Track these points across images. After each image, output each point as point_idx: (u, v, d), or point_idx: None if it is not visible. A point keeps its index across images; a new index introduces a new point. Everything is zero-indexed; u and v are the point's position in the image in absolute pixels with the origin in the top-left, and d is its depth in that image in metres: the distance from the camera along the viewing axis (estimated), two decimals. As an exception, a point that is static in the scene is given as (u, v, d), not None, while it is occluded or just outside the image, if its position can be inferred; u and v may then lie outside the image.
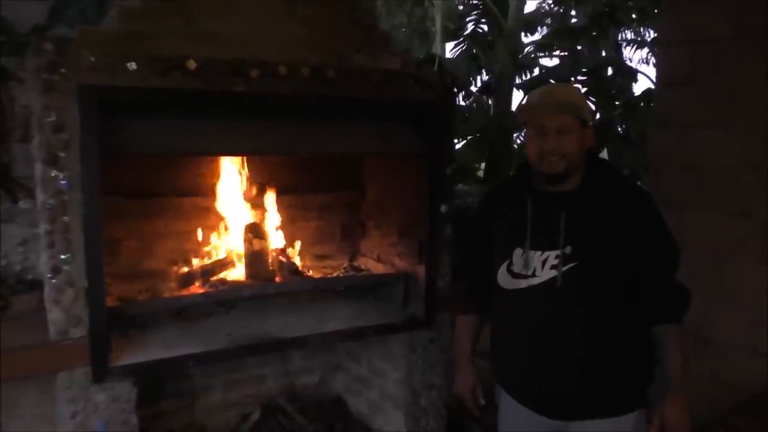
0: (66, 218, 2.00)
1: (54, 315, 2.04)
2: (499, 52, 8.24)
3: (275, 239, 2.86)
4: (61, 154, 1.97)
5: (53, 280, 2.02)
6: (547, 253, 1.73)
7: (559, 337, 1.74)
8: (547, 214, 1.74)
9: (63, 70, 1.93)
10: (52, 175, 1.97)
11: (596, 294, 1.71)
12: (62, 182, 1.98)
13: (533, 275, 1.75)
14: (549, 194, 1.77)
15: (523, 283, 1.77)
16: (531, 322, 1.78)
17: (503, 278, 1.82)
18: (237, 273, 2.72)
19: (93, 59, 1.96)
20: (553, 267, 1.71)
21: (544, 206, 1.76)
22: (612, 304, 1.72)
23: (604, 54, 9.03)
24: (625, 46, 9.82)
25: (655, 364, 1.74)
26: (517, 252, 1.78)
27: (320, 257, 3.15)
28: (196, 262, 2.71)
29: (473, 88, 8.79)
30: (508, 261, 1.80)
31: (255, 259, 2.68)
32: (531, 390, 1.82)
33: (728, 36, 2.86)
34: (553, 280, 1.71)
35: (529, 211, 1.77)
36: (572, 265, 1.70)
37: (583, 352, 1.73)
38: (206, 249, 2.77)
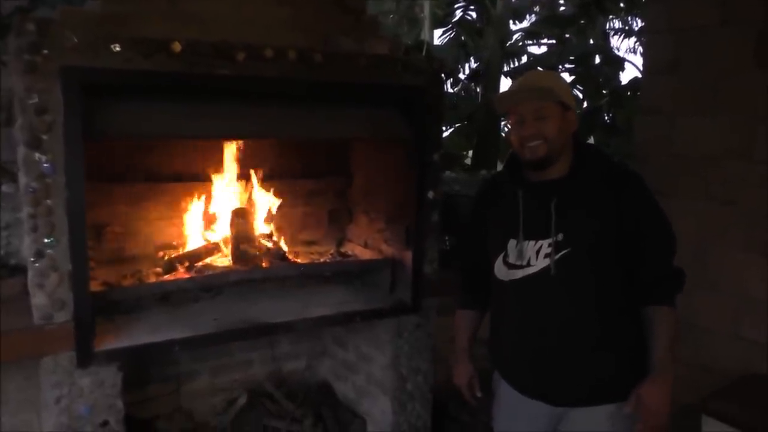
0: (49, 202, 1.98)
1: (38, 299, 2.03)
2: (487, 40, 8.25)
3: (262, 225, 2.85)
4: (44, 137, 1.94)
5: (37, 264, 2.00)
6: (540, 242, 1.74)
7: (556, 324, 1.75)
8: (538, 203, 1.75)
9: (45, 52, 1.90)
10: (35, 158, 1.95)
11: (591, 279, 1.72)
12: (45, 165, 1.96)
13: (528, 265, 1.76)
14: (539, 183, 1.77)
15: (519, 274, 1.78)
16: (529, 312, 1.79)
17: (500, 270, 1.83)
18: (223, 258, 2.71)
19: (76, 40, 1.93)
20: (546, 256, 1.72)
21: (535, 195, 1.76)
22: (608, 289, 1.73)
23: (591, 42, 9.04)
24: (613, 35, 9.84)
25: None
26: (512, 243, 1.79)
27: (307, 243, 3.14)
28: (182, 247, 2.69)
29: (461, 76, 8.79)
30: (503, 252, 1.82)
31: (241, 244, 2.67)
32: (531, 378, 1.84)
33: (714, 24, 2.87)
34: (547, 268, 1.72)
35: (521, 202, 1.78)
36: (565, 252, 1.70)
37: (581, 338, 1.74)
38: (192, 234, 2.76)
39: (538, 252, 1.74)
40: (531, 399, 1.83)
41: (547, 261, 1.72)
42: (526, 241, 1.76)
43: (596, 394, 1.76)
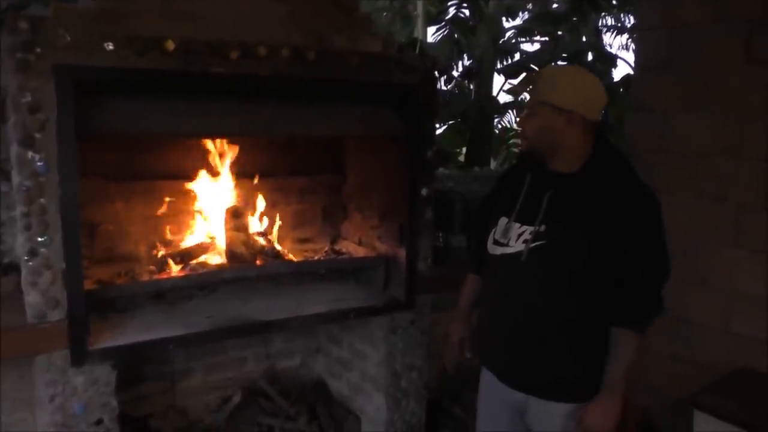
0: (43, 200, 1.98)
1: (31, 298, 2.02)
2: (480, 37, 8.24)
3: (256, 222, 2.85)
4: (37, 135, 1.94)
5: (30, 263, 2.00)
6: (525, 227, 1.78)
7: (515, 308, 1.80)
8: (537, 191, 1.79)
9: (38, 50, 1.90)
10: (28, 156, 1.94)
11: (554, 277, 1.73)
12: (38, 164, 1.95)
13: (508, 245, 1.80)
14: (546, 172, 1.80)
15: (498, 251, 1.84)
16: (497, 290, 1.86)
17: (489, 243, 1.89)
18: (217, 256, 2.71)
19: (69, 38, 1.93)
20: (524, 242, 1.76)
21: (538, 183, 1.80)
22: (569, 290, 1.73)
23: (584, 39, 9.05)
24: (606, 32, 9.85)
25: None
26: (502, 221, 1.85)
27: (301, 240, 3.15)
28: (176, 245, 2.69)
29: (455, 73, 8.78)
30: (495, 228, 1.87)
31: (235, 242, 2.67)
32: (496, 357, 1.91)
33: (706, 21, 2.89)
34: (519, 253, 1.76)
35: (525, 185, 1.83)
36: (540, 243, 1.73)
37: (538, 328, 1.77)
38: (186, 232, 2.76)
39: (519, 236, 1.78)
40: (499, 380, 1.88)
41: (523, 246, 1.76)
42: (515, 223, 1.81)
43: (541, 387, 1.79)
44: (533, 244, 1.74)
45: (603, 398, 1.72)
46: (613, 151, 1.81)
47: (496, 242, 1.85)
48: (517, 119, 1.99)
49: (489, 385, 1.95)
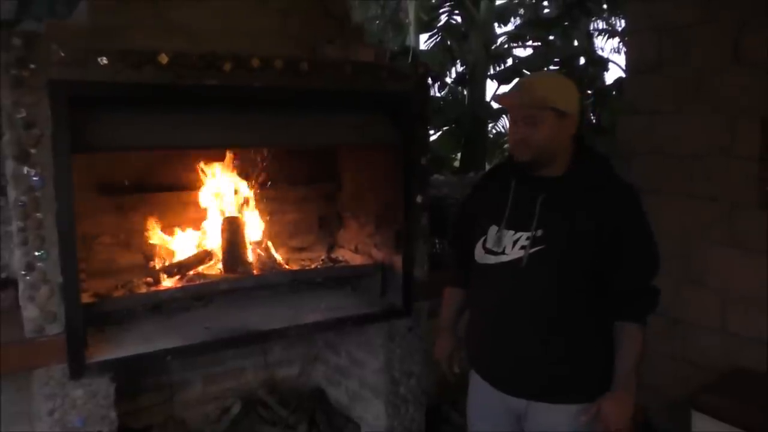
0: (39, 215, 1.98)
1: (29, 312, 2.03)
2: (472, 44, 8.29)
3: (252, 232, 2.86)
4: (33, 151, 1.95)
5: (27, 278, 2.01)
6: (519, 234, 1.77)
7: (518, 315, 1.78)
8: (527, 196, 1.78)
9: (32, 66, 1.91)
10: (24, 171, 1.95)
11: (559, 280, 1.74)
12: (34, 179, 1.96)
13: (503, 253, 1.79)
14: (532, 178, 1.80)
15: (492, 260, 1.81)
16: (494, 298, 1.83)
17: (478, 253, 1.87)
18: (215, 267, 2.72)
19: (63, 53, 1.94)
20: (522, 248, 1.75)
21: (526, 189, 1.80)
22: (574, 292, 1.74)
23: (576, 44, 9.10)
24: (597, 36, 9.90)
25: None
26: (493, 229, 1.83)
27: (298, 249, 3.15)
28: (172, 257, 2.70)
29: (448, 79, 8.82)
30: (484, 237, 1.85)
31: (232, 252, 2.68)
32: (492, 365, 1.88)
33: (695, 23, 2.92)
34: (519, 260, 1.75)
35: (512, 192, 1.82)
36: (540, 248, 1.73)
37: (539, 334, 1.77)
38: (183, 243, 2.76)
39: (515, 242, 1.77)
40: (493, 387, 1.86)
41: (521, 253, 1.75)
42: (507, 230, 1.79)
43: (549, 391, 1.78)
44: (532, 250, 1.74)
45: (617, 394, 1.72)
46: (593, 152, 1.84)
47: (488, 251, 1.83)
48: (514, 130, 1.94)
49: (481, 392, 1.92)
